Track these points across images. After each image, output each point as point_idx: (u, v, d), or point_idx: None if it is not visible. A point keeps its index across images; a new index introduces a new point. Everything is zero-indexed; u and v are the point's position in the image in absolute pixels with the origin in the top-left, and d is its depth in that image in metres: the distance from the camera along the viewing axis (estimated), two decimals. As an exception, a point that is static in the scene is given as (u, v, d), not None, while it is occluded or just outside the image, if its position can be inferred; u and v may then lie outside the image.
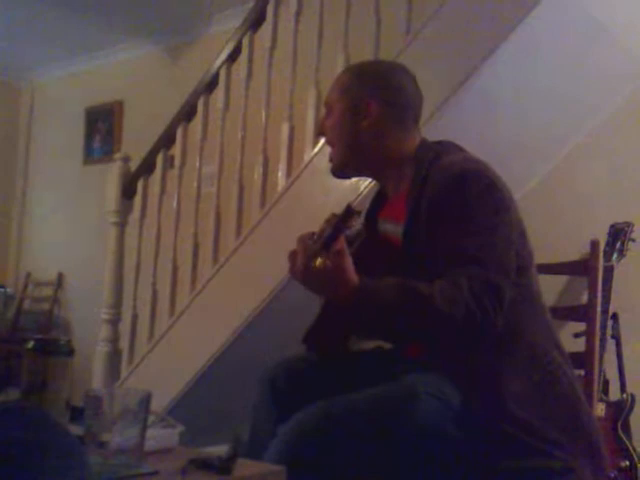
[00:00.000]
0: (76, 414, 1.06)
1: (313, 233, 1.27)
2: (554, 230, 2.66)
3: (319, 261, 1.16)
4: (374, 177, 1.57)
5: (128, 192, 3.08)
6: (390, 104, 1.46)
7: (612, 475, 2.33)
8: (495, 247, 1.27)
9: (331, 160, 1.52)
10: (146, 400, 1.00)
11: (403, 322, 1.27)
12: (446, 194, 1.30)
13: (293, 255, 1.26)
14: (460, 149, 1.45)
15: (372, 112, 1.45)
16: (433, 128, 1.52)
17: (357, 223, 1.26)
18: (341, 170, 1.54)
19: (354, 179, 2.32)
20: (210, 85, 2.87)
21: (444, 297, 1.20)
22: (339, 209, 1.24)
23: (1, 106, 5.43)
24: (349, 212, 1.19)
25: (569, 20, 2.20)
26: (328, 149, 1.54)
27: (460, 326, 1.21)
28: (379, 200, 1.55)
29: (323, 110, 2.49)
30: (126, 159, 3.12)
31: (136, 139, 4.18)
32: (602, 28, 2.29)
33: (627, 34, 2.39)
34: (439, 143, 1.45)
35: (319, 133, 1.58)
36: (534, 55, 2.26)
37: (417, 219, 1.34)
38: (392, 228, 1.45)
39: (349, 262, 1.22)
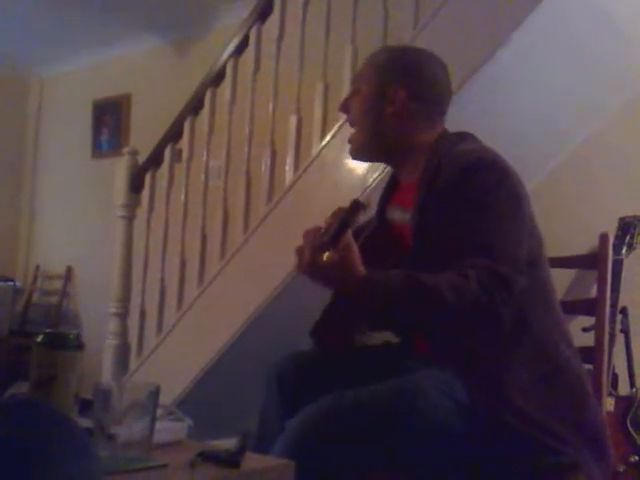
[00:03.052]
0: (85, 407, 1.06)
1: (320, 227, 1.27)
2: (563, 223, 2.65)
3: (326, 255, 1.16)
4: (390, 164, 1.56)
5: (136, 186, 3.08)
6: (419, 96, 1.43)
7: (621, 470, 2.32)
8: (507, 237, 1.26)
9: (350, 142, 1.51)
10: (155, 393, 1.01)
11: (409, 313, 1.26)
12: (462, 181, 1.29)
13: (300, 250, 1.26)
14: (477, 141, 1.44)
15: (399, 100, 1.42)
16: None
17: (364, 216, 1.25)
18: (359, 154, 1.53)
19: (363, 171, 2.32)
20: (217, 78, 2.86)
21: (451, 288, 1.19)
22: (347, 203, 1.24)
23: (10, 101, 5.44)
24: (356, 206, 1.18)
25: (575, 11, 2.19)
26: (345, 129, 1.52)
27: (467, 317, 1.21)
28: (391, 187, 1.54)
29: (331, 103, 2.50)
30: (134, 153, 3.13)
31: (144, 133, 4.18)
32: (607, 19, 2.27)
33: (632, 26, 2.37)
34: (458, 134, 1.44)
35: (342, 110, 1.54)
36: (541, 48, 2.25)
37: (428, 205, 1.33)
38: (400, 215, 1.44)
39: (356, 255, 1.22)
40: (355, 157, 1.55)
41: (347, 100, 1.51)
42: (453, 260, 1.24)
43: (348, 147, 1.53)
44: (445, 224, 1.29)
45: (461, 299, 1.18)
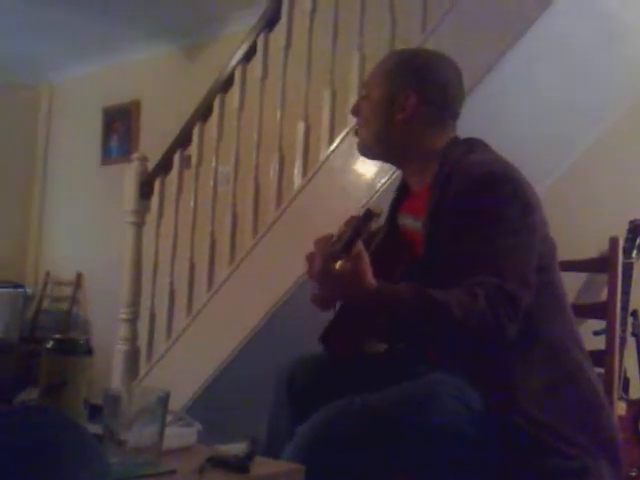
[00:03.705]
0: (95, 413, 1.07)
1: (332, 235, 1.27)
2: (573, 227, 2.64)
3: (339, 264, 1.16)
4: (398, 167, 1.56)
5: (145, 192, 3.10)
6: (430, 102, 1.42)
7: (633, 474, 2.31)
8: (516, 253, 1.26)
9: (357, 135, 1.51)
10: (164, 399, 1.01)
11: (418, 329, 1.26)
12: (472, 194, 1.29)
13: (311, 257, 1.26)
14: (488, 148, 1.43)
15: (410, 107, 1.41)
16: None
17: (376, 224, 1.25)
18: (366, 153, 1.54)
19: (370, 177, 2.32)
20: (225, 85, 2.87)
21: (460, 305, 1.19)
22: (355, 208, 1.24)
23: (20, 107, 5.48)
24: (369, 215, 1.18)
25: (585, 16, 2.19)
26: (356, 127, 1.53)
27: (474, 335, 1.22)
28: (402, 192, 1.54)
29: (338, 109, 2.50)
30: (143, 159, 3.14)
31: (153, 139, 4.20)
32: (616, 25, 2.27)
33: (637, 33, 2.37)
34: (468, 141, 1.43)
35: (353, 113, 1.54)
36: (548, 54, 2.24)
37: (438, 216, 1.33)
38: (412, 223, 1.44)
39: (367, 265, 1.21)
40: (362, 153, 1.55)
41: (358, 103, 1.52)
42: (462, 274, 1.24)
43: (356, 152, 1.53)
44: (454, 236, 1.28)
45: (469, 316, 1.19)
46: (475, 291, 1.20)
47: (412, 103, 1.41)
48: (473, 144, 1.42)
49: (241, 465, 1.01)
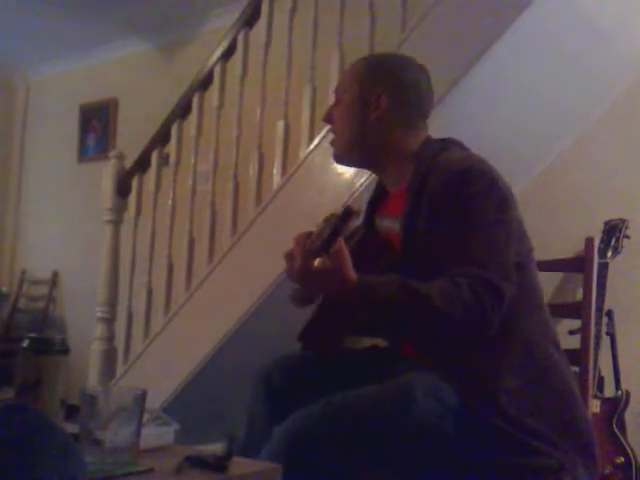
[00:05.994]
0: (71, 412, 1.06)
1: (311, 233, 1.27)
2: (549, 227, 2.67)
3: (318, 261, 1.17)
4: (374, 170, 1.56)
5: (123, 190, 3.07)
6: (401, 102, 1.44)
7: (607, 471, 2.34)
8: (496, 246, 1.27)
9: (332, 145, 1.52)
10: (141, 398, 1.00)
11: (401, 320, 1.26)
12: (449, 190, 1.29)
13: (290, 255, 1.26)
14: (463, 147, 1.44)
15: (382, 106, 1.43)
16: (429, 124, 1.51)
17: (356, 223, 1.26)
18: (343, 160, 1.54)
19: (350, 176, 2.32)
20: (205, 82, 2.86)
21: (443, 296, 1.20)
22: (335, 207, 1.24)
23: (-4, 104, 5.41)
24: (348, 213, 1.18)
25: (562, 17, 2.21)
26: (331, 135, 1.54)
27: (458, 325, 1.22)
28: (378, 195, 1.55)
29: (318, 108, 2.51)
30: (121, 157, 3.11)
31: (131, 137, 4.17)
32: (594, 26, 2.30)
33: (618, 33, 2.40)
34: (442, 141, 1.45)
35: (325, 121, 1.55)
36: (529, 53, 2.27)
37: (416, 215, 1.34)
38: (390, 223, 1.45)
39: (348, 261, 1.22)
40: (339, 162, 1.56)
41: (330, 111, 1.52)
42: (442, 270, 1.25)
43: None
44: (433, 234, 1.29)
45: (452, 306, 1.19)
46: (458, 280, 1.21)
47: (384, 102, 1.43)
48: (448, 144, 1.43)
49: (219, 464, 1.01)
